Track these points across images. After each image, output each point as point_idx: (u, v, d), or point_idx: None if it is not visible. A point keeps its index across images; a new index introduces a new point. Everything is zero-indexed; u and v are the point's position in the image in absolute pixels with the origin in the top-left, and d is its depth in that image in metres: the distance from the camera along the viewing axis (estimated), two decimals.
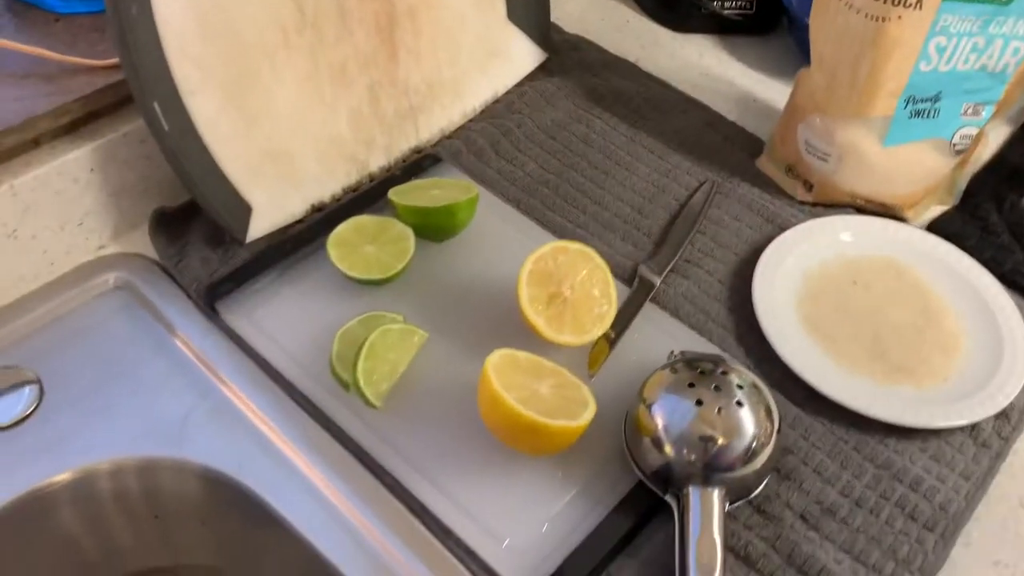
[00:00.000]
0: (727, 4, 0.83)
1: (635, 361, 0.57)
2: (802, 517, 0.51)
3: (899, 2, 0.57)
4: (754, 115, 0.78)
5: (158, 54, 0.53)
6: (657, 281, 0.62)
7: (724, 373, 0.50)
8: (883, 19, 0.58)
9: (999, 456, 0.55)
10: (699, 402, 0.49)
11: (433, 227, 0.61)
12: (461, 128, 0.73)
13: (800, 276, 0.63)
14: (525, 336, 0.55)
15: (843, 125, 0.64)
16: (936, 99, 0.62)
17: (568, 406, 0.50)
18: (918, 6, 0.57)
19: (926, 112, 0.63)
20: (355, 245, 0.59)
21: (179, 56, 0.54)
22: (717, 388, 0.49)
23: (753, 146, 0.74)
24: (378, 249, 0.59)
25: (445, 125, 0.72)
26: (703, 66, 0.83)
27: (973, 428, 0.56)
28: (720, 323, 0.61)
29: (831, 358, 0.58)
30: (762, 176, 0.72)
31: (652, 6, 0.87)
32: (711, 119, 0.77)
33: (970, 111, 0.64)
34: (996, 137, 0.78)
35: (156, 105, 0.55)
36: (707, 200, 0.69)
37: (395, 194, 0.62)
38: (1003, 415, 0.56)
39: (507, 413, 0.48)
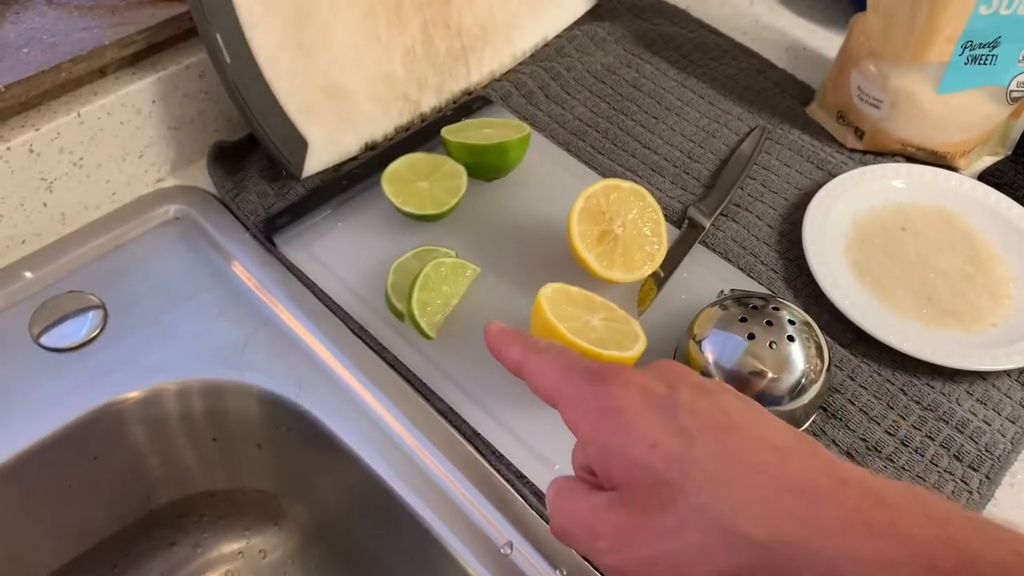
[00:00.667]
0: None
1: (684, 300, 0.58)
2: (848, 454, 0.52)
3: None
4: (804, 63, 0.77)
5: None
6: (707, 223, 0.63)
7: (776, 309, 0.51)
8: None
9: None
10: (751, 336, 0.49)
11: (484, 165, 0.62)
12: (511, 71, 0.73)
13: (850, 221, 0.63)
14: (575, 273, 0.56)
15: (898, 71, 0.63)
16: (994, 45, 0.62)
17: (619, 339, 0.51)
18: None
19: (983, 58, 0.62)
20: (409, 181, 0.60)
21: None
22: (769, 323, 0.50)
23: (803, 94, 0.74)
24: (431, 185, 0.60)
25: (496, 67, 0.73)
26: (753, 14, 0.82)
27: (1021, 373, 0.56)
28: (769, 265, 0.61)
29: (879, 301, 0.59)
30: (812, 123, 0.72)
31: None
32: (761, 66, 0.76)
33: None
34: None
35: (219, 36, 0.56)
36: (757, 146, 0.69)
37: (448, 132, 0.62)
38: None
39: (560, 341, 0.49)
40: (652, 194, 0.59)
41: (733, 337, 0.50)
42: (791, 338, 0.49)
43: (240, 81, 0.58)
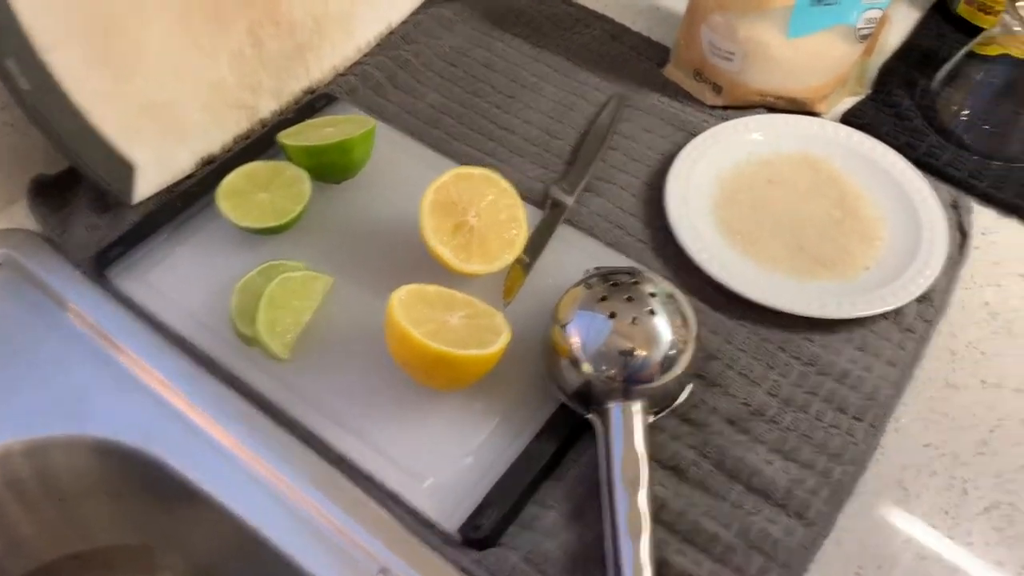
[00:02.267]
0: None
1: (552, 284, 0.55)
2: (730, 421, 0.50)
3: None
4: (660, 23, 0.75)
5: (4, 5, 0.49)
6: (569, 201, 0.60)
7: (636, 283, 0.49)
8: None
9: (923, 340, 0.54)
10: (612, 315, 0.47)
11: (328, 167, 0.58)
12: (356, 64, 0.70)
13: (714, 180, 0.62)
14: (435, 270, 0.53)
15: (745, 21, 0.62)
16: None
17: (481, 335, 0.48)
18: None
19: None
20: (247, 194, 0.56)
21: (31, 7, 0.50)
22: (630, 299, 0.48)
23: (661, 55, 0.72)
24: (272, 195, 0.56)
25: (338, 62, 0.69)
26: None
27: (897, 314, 0.55)
28: (637, 237, 0.59)
29: (751, 259, 0.57)
30: (671, 84, 0.70)
31: None
32: (616, 31, 0.74)
33: None
34: (906, 23, 0.77)
35: (11, 62, 0.51)
36: (616, 114, 0.66)
37: (285, 136, 0.58)
38: (925, 298, 0.56)
39: (415, 347, 0.46)
40: (512, 177, 0.56)
41: (597, 317, 0.48)
42: (652, 312, 0.47)
43: (44, 108, 0.53)
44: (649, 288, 0.48)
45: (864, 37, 0.64)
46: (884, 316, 0.55)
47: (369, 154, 0.59)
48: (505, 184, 0.55)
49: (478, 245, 0.53)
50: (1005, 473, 0.49)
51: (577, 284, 0.51)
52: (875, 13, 0.63)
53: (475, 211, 0.53)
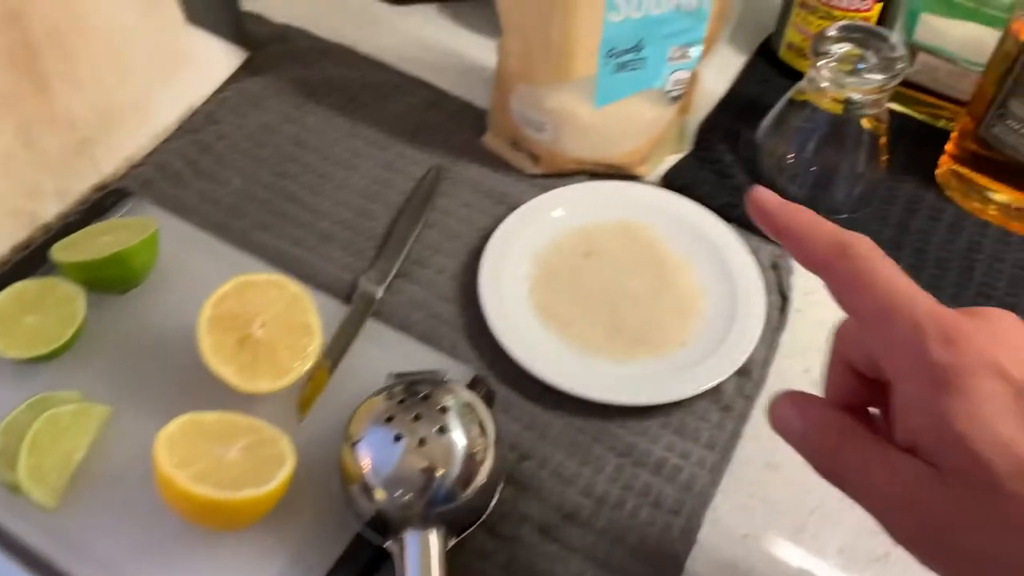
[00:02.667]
0: None
1: (356, 391, 0.51)
2: (542, 530, 0.48)
3: None
4: (482, 86, 0.73)
5: None
6: (378, 292, 0.57)
7: (427, 398, 0.46)
8: None
9: (742, 417, 0.53)
10: (399, 437, 0.44)
11: (106, 281, 0.54)
12: (153, 152, 0.65)
13: (531, 259, 0.59)
14: (224, 389, 0.49)
15: (550, 92, 0.60)
16: (639, 48, 0.59)
17: (261, 469, 0.44)
18: None
19: (631, 64, 0.59)
20: (14, 319, 0.51)
21: None
22: (418, 417, 0.45)
23: (481, 121, 0.69)
24: (42, 318, 0.51)
25: (132, 152, 0.64)
26: (426, 39, 0.77)
27: (715, 391, 0.53)
28: (452, 325, 0.56)
29: (566, 344, 0.55)
30: (490, 153, 0.67)
31: None
32: (435, 98, 0.71)
33: (678, 55, 0.60)
34: (731, 68, 0.76)
35: None
36: (432, 190, 0.63)
37: (58, 250, 0.54)
38: (744, 371, 0.54)
39: (180, 493, 0.42)
40: (320, 268, 0.54)
41: (387, 438, 0.44)
42: (444, 429, 0.44)
43: None
44: (443, 401, 0.45)
45: (675, 99, 0.62)
46: (702, 395, 0.53)
47: (153, 261, 0.55)
48: (294, 287, 0.51)
49: (266, 359, 0.49)
50: (827, 556, 0.48)
51: (373, 395, 0.47)
52: (683, 74, 0.61)
53: (261, 322, 0.50)
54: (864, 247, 0.32)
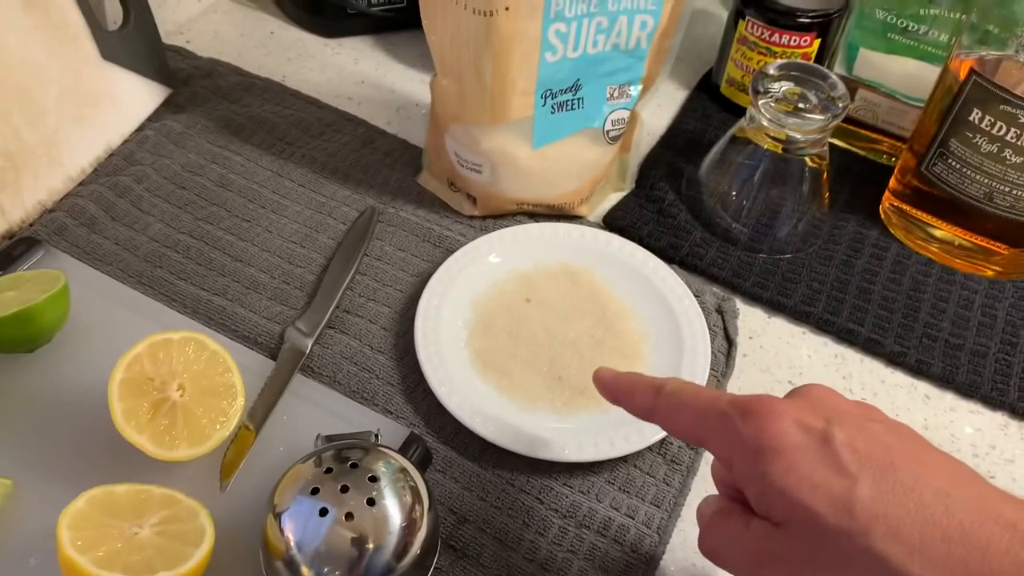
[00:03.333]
0: (374, 1, 0.75)
1: (283, 454, 0.49)
2: None
3: None
4: (419, 123, 0.71)
5: None
6: (307, 345, 0.54)
7: (355, 466, 0.43)
8: (491, 13, 0.51)
9: (690, 471, 0.51)
10: (324, 512, 0.41)
11: (10, 340, 0.50)
12: (67, 196, 0.61)
13: (469, 305, 0.57)
14: (138, 456, 0.45)
15: (486, 133, 0.58)
16: (576, 89, 0.57)
17: (176, 547, 0.41)
18: None
19: (569, 104, 0.57)
20: None
21: None
22: (345, 488, 0.42)
23: (417, 160, 0.67)
24: None
25: (44, 197, 0.60)
26: (359, 73, 0.75)
27: (662, 443, 0.51)
28: (386, 380, 0.53)
29: (507, 397, 0.52)
30: (427, 194, 0.65)
31: (297, 13, 0.78)
32: (369, 135, 0.69)
33: (616, 94, 0.59)
34: (673, 103, 0.75)
35: None
36: (366, 234, 0.61)
37: None
38: None
39: None
40: (244, 320, 0.51)
41: (312, 511, 0.41)
42: (371, 501, 0.41)
43: None
44: (373, 468, 0.42)
45: (615, 138, 0.61)
46: (649, 448, 0.51)
47: (63, 317, 0.51)
48: (215, 345, 0.48)
49: (184, 424, 0.46)
50: None
51: (300, 462, 0.44)
52: (622, 114, 0.60)
53: (178, 384, 0.46)
54: (673, 383, 0.38)
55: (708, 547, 0.37)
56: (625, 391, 0.40)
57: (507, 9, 0.51)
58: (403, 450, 0.47)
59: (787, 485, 0.32)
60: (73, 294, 0.53)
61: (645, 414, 0.39)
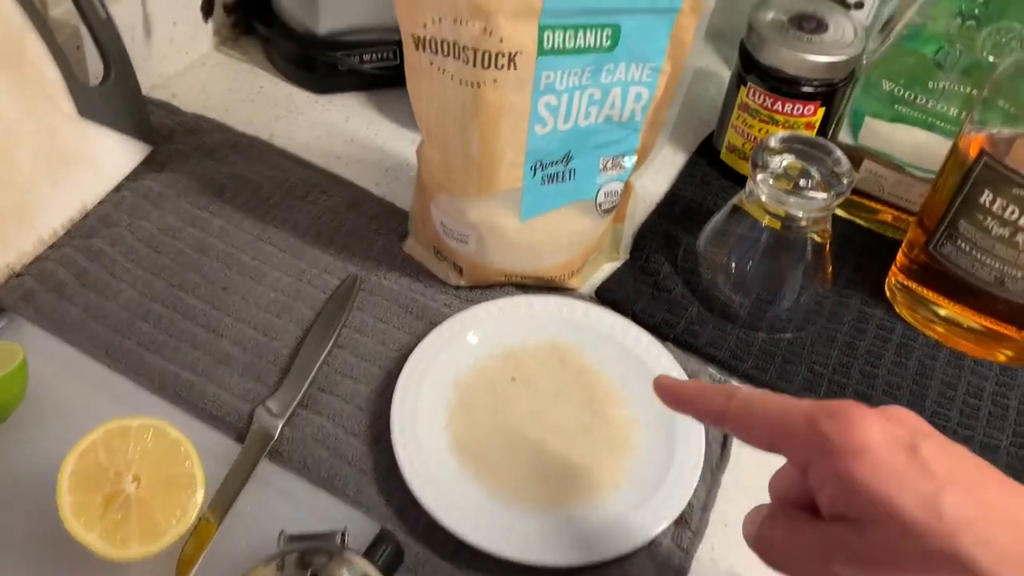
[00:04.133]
0: (366, 58, 0.73)
1: (246, 549, 0.46)
2: None
3: (489, 64, 0.48)
4: (408, 185, 0.68)
5: None
6: (276, 428, 0.51)
7: (316, 574, 0.40)
8: (478, 84, 0.49)
9: (681, 573, 0.48)
10: None
11: None
12: (36, 260, 0.59)
13: (451, 384, 0.54)
14: (91, 554, 0.42)
15: (473, 204, 0.55)
16: (567, 160, 0.55)
17: None
18: (511, 66, 0.48)
19: (560, 176, 0.55)
20: None
21: None
22: None
23: (404, 224, 0.64)
24: None
25: (12, 260, 0.58)
26: (349, 131, 0.73)
27: (651, 544, 0.48)
28: (359, 466, 0.50)
29: (486, 490, 0.49)
30: (411, 261, 0.62)
31: (288, 68, 0.76)
32: (355, 198, 0.66)
33: (610, 165, 0.56)
34: (672, 167, 0.72)
35: None
36: (346, 303, 0.58)
37: None
38: (682, 520, 0.49)
39: None
40: (213, 398, 0.49)
41: None
42: None
43: None
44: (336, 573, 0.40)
45: (608, 211, 0.58)
46: (637, 550, 0.48)
47: (19, 396, 0.49)
48: (175, 433, 0.45)
49: (139, 519, 0.43)
50: None
51: (261, 564, 0.41)
52: (616, 186, 0.57)
53: (134, 475, 0.43)
54: (745, 390, 0.38)
55: (766, 543, 0.36)
56: (691, 396, 0.39)
57: (495, 81, 0.49)
58: (372, 549, 0.44)
59: (872, 480, 0.31)
60: (34, 368, 0.50)
61: (716, 418, 0.38)
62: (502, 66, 0.48)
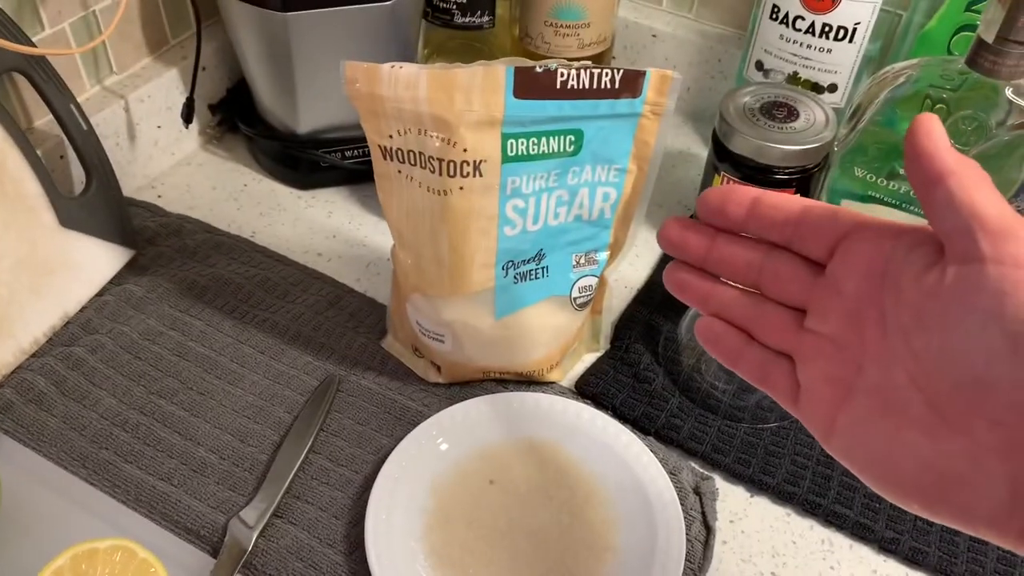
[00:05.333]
0: (348, 154, 0.74)
1: None
2: None
3: (455, 173, 0.49)
4: (387, 279, 0.68)
5: None
6: (251, 539, 0.50)
7: None
8: (445, 192, 0.50)
9: None
10: None
11: None
12: (16, 370, 0.59)
13: (427, 491, 0.53)
14: None
15: (446, 304, 0.55)
16: (540, 258, 0.55)
17: None
18: (477, 174, 0.49)
19: (532, 273, 0.55)
20: None
21: None
22: None
23: (383, 321, 0.65)
24: None
25: None
26: (331, 227, 0.73)
27: None
28: None
29: None
30: (391, 360, 0.62)
31: (271, 166, 0.77)
32: (336, 294, 0.67)
33: (583, 261, 0.57)
34: (647, 256, 0.72)
35: None
36: (323, 406, 0.58)
37: None
38: None
39: None
40: (187, 509, 0.50)
41: None
42: None
43: None
44: None
45: (583, 305, 0.58)
46: None
47: None
48: (144, 553, 0.45)
49: None
50: None
51: None
52: (590, 280, 0.57)
53: None
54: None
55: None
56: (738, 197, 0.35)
57: (461, 188, 0.49)
58: None
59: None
60: (9, 481, 0.50)
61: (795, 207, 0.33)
62: (468, 174, 0.49)
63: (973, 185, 0.28)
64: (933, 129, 0.30)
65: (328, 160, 0.74)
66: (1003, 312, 0.26)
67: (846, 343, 0.32)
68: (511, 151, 0.49)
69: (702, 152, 0.83)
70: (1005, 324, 0.26)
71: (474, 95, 0.47)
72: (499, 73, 0.47)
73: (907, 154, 0.30)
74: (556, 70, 0.48)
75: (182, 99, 0.75)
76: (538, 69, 0.48)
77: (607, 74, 0.49)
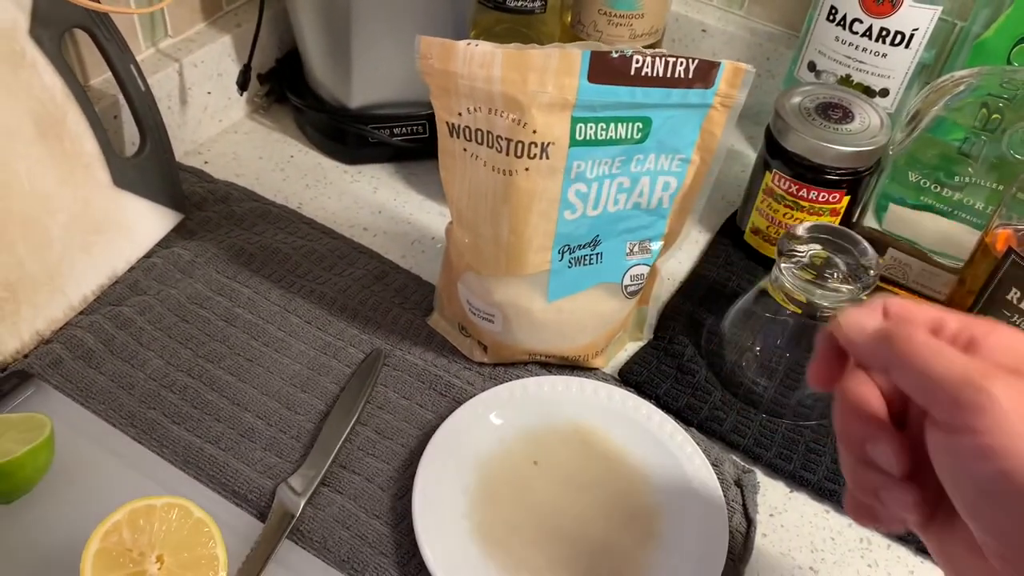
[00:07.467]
0: (396, 131, 0.74)
1: None
2: None
3: (522, 154, 0.49)
4: (432, 257, 0.69)
5: None
6: (298, 507, 0.51)
7: None
8: (510, 172, 0.50)
9: None
10: None
11: None
12: (65, 327, 0.59)
13: (473, 467, 0.54)
14: None
15: (500, 284, 0.55)
16: (595, 244, 0.55)
17: None
18: (544, 156, 0.49)
19: (587, 259, 0.55)
20: None
21: None
22: None
23: (429, 298, 0.65)
24: None
25: (42, 327, 0.58)
26: (377, 203, 0.73)
27: None
28: (380, 548, 0.50)
29: None
30: (436, 337, 0.62)
31: (318, 138, 0.77)
32: (382, 269, 0.67)
33: (636, 249, 0.57)
34: (695, 246, 0.73)
35: None
36: (370, 378, 0.58)
37: None
38: None
39: None
40: (235, 474, 0.49)
41: None
42: None
43: None
44: None
45: (633, 293, 0.59)
46: None
47: (46, 467, 0.49)
48: (199, 512, 0.45)
49: None
50: None
51: None
52: (642, 269, 0.58)
53: (157, 555, 0.43)
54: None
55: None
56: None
57: (527, 169, 0.50)
58: None
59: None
60: (60, 436, 0.51)
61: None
62: (535, 155, 0.49)
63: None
64: (840, 324, 0.33)
65: (376, 136, 0.74)
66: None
67: None
68: (579, 135, 0.49)
69: (746, 150, 0.83)
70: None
71: (548, 77, 0.47)
72: (575, 56, 0.47)
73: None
74: (632, 56, 0.48)
75: (233, 66, 0.76)
76: (614, 54, 0.48)
77: (682, 63, 0.49)
